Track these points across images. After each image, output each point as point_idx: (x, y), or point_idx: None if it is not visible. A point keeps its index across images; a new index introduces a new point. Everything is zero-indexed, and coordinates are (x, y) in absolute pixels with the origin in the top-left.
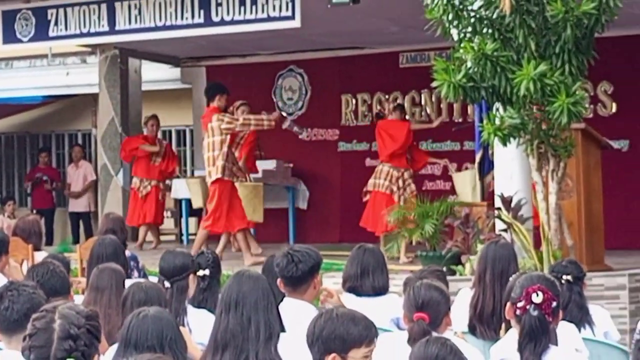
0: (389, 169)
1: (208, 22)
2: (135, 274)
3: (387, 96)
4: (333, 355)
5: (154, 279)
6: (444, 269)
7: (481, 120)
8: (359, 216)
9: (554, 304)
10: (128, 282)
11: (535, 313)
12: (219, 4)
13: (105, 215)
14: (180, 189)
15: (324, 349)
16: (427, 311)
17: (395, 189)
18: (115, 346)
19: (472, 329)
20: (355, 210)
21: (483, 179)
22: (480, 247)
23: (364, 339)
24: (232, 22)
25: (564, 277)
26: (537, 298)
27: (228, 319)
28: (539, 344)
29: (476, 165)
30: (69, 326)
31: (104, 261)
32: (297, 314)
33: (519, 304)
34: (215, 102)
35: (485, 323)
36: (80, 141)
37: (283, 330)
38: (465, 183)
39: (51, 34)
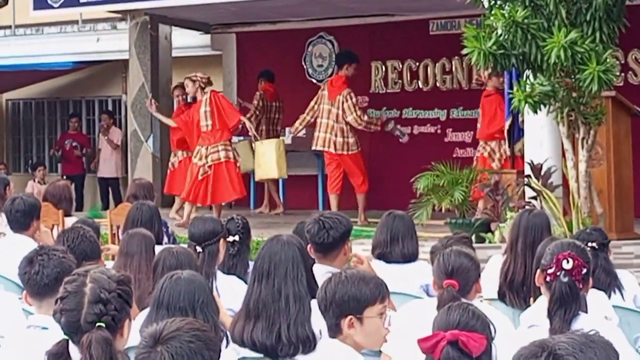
0: None
1: None
2: (165, 239)
3: (417, 63)
4: (349, 317)
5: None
6: (474, 236)
7: (511, 88)
8: (387, 183)
9: (584, 270)
10: (158, 248)
11: (565, 279)
12: None
13: (133, 180)
14: None
15: (340, 312)
16: (457, 278)
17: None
18: (146, 311)
19: (501, 296)
20: (383, 178)
21: (512, 147)
22: (510, 215)
23: (377, 296)
24: None
25: (589, 244)
26: (568, 264)
27: (260, 288)
28: (568, 311)
29: (505, 132)
30: (100, 290)
31: (138, 226)
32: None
33: (549, 271)
34: (343, 70)
35: (515, 291)
36: (110, 107)
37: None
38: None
39: (82, 0)
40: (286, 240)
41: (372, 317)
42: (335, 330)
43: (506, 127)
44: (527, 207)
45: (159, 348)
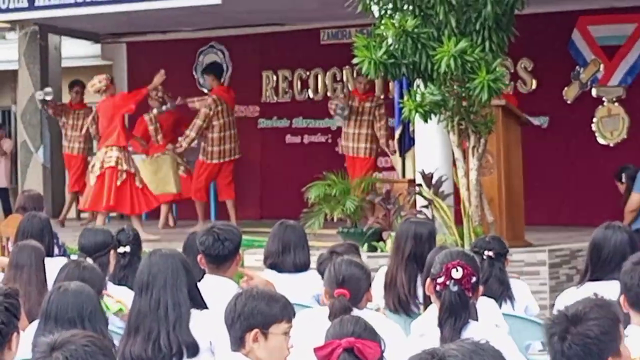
0: None
1: None
2: (56, 251)
3: (307, 73)
4: (255, 330)
5: (74, 257)
6: (365, 245)
7: (401, 97)
8: (279, 192)
9: (474, 279)
10: (48, 260)
11: (455, 289)
12: None
13: (22, 192)
14: None
15: (246, 325)
16: (348, 287)
17: None
18: (35, 323)
19: (387, 304)
20: (276, 187)
21: (404, 156)
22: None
23: (285, 314)
24: None
25: (486, 252)
26: (457, 274)
27: (140, 301)
28: (458, 319)
29: (396, 142)
30: None
31: (29, 238)
32: (219, 290)
33: (439, 280)
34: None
35: (398, 299)
36: None
37: (204, 306)
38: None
39: None
40: (165, 252)
41: (277, 334)
42: (238, 344)
43: (397, 136)
44: (410, 215)
45: (54, 354)
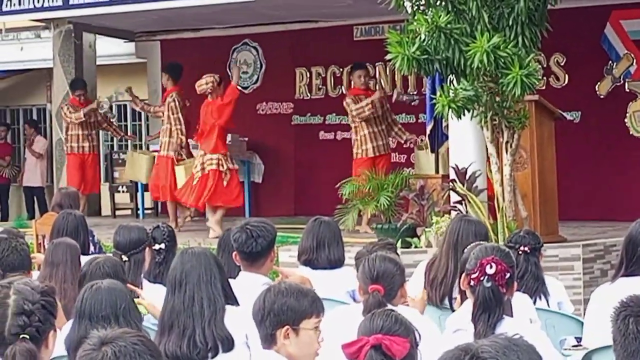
0: None
1: None
2: (92, 249)
3: (341, 69)
4: (286, 327)
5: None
6: (400, 241)
7: (434, 93)
8: (313, 189)
9: (508, 275)
10: (84, 258)
11: (488, 284)
12: None
13: (58, 189)
14: None
15: (277, 322)
16: (382, 283)
17: None
18: (72, 321)
19: (431, 299)
20: (309, 183)
21: (437, 151)
22: (435, 220)
23: (314, 309)
24: None
25: (521, 247)
26: (491, 269)
27: (173, 298)
28: (492, 315)
29: (426, 137)
30: (23, 302)
31: (64, 235)
32: (254, 287)
33: (473, 275)
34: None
35: (434, 290)
36: (34, 116)
37: (236, 303)
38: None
39: (4, 8)
40: (197, 250)
41: (308, 329)
42: (269, 341)
43: (428, 131)
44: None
45: (104, 348)
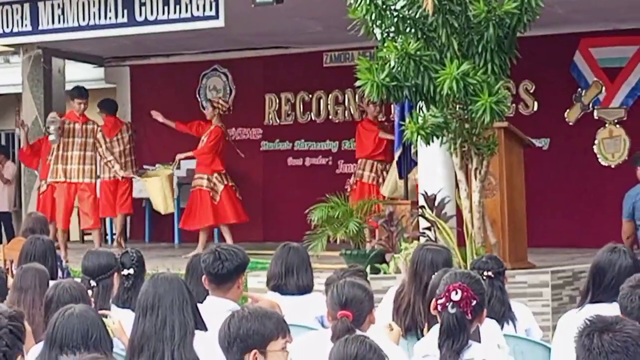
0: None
1: (132, 22)
2: (60, 274)
3: (310, 95)
4: (254, 351)
5: (77, 279)
6: (368, 267)
7: (402, 119)
8: (282, 215)
9: (474, 302)
10: (52, 283)
11: (453, 310)
12: (142, 4)
13: (28, 214)
14: None
15: (244, 347)
16: (351, 309)
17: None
18: (39, 345)
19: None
20: (278, 209)
21: (406, 177)
22: (404, 246)
23: (280, 330)
24: (156, 22)
25: (485, 273)
26: (456, 296)
27: (144, 322)
28: (456, 341)
29: (394, 163)
30: None
31: (32, 260)
32: (220, 312)
33: (439, 301)
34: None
35: (412, 322)
36: (3, 141)
37: (204, 328)
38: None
39: None
40: (169, 275)
41: (275, 351)
42: None
43: (396, 157)
44: (426, 241)
45: None
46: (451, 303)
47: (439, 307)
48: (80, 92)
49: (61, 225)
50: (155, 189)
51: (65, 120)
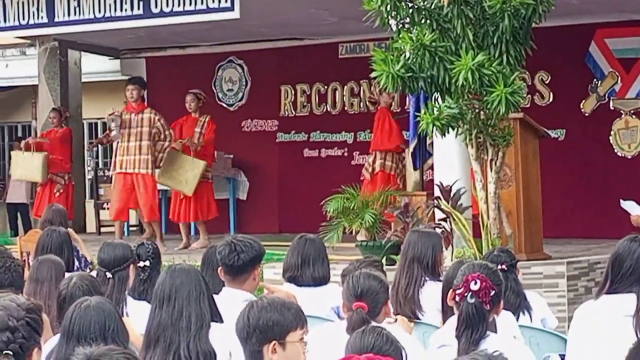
0: None
1: (147, 14)
2: (77, 264)
3: (325, 87)
4: (273, 342)
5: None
6: (384, 258)
7: (418, 110)
8: (297, 206)
9: (493, 292)
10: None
11: (472, 300)
12: None
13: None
14: None
15: (263, 338)
16: (366, 300)
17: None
18: (55, 338)
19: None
20: (294, 200)
21: (421, 168)
22: None
23: (299, 321)
24: (172, 14)
25: (498, 266)
26: (475, 286)
27: (161, 313)
28: (475, 332)
29: (409, 154)
30: (8, 318)
31: (49, 252)
32: (235, 303)
33: (458, 291)
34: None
35: (397, 303)
36: (20, 133)
37: (220, 320)
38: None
39: None
40: (186, 267)
41: (294, 342)
42: (257, 357)
43: (411, 149)
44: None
45: None
46: (470, 293)
47: (457, 298)
48: (130, 79)
49: (112, 216)
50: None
51: (122, 112)
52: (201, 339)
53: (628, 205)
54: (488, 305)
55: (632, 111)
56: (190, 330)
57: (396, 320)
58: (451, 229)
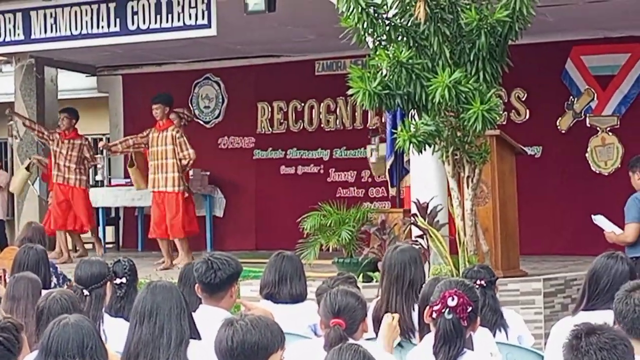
0: None
1: (124, 31)
2: (54, 281)
3: (302, 104)
4: None
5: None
6: (361, 275)
7: (395, 127)
8: (274, 223)
9: (470, 309)
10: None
11: (449, 317)
12: (135, 13)
13: (27, 223)
14: (98, 196)
15: None
16: (344, 317)
17: None
18: (33, 355)
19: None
20: (271, 218)
21: (398, 185)
22: None
23: (280, 342)
24: (148, 31)
25: (477, 281)
26: (452, 302)
27: (141, 329)
28: (453, 348)
29: (386, 172)
30: None
31: (25, 270)
32: (213, 321)
33: (435, 307)
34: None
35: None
36: None
37: (198, 337)
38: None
39: None
40: (167, 284)
41: None
42: None
43: (388, 166)
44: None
45: None
46: (447, 309)
47: (434, 314)
48: (155, 97)
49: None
50: None
51: (151, 130)
52: (180, 356)
53: (599, 220)
54: (465, 322)
55: (608, 128)
56: (171, 347)
57: (393, 318)
58: (428, 246)
